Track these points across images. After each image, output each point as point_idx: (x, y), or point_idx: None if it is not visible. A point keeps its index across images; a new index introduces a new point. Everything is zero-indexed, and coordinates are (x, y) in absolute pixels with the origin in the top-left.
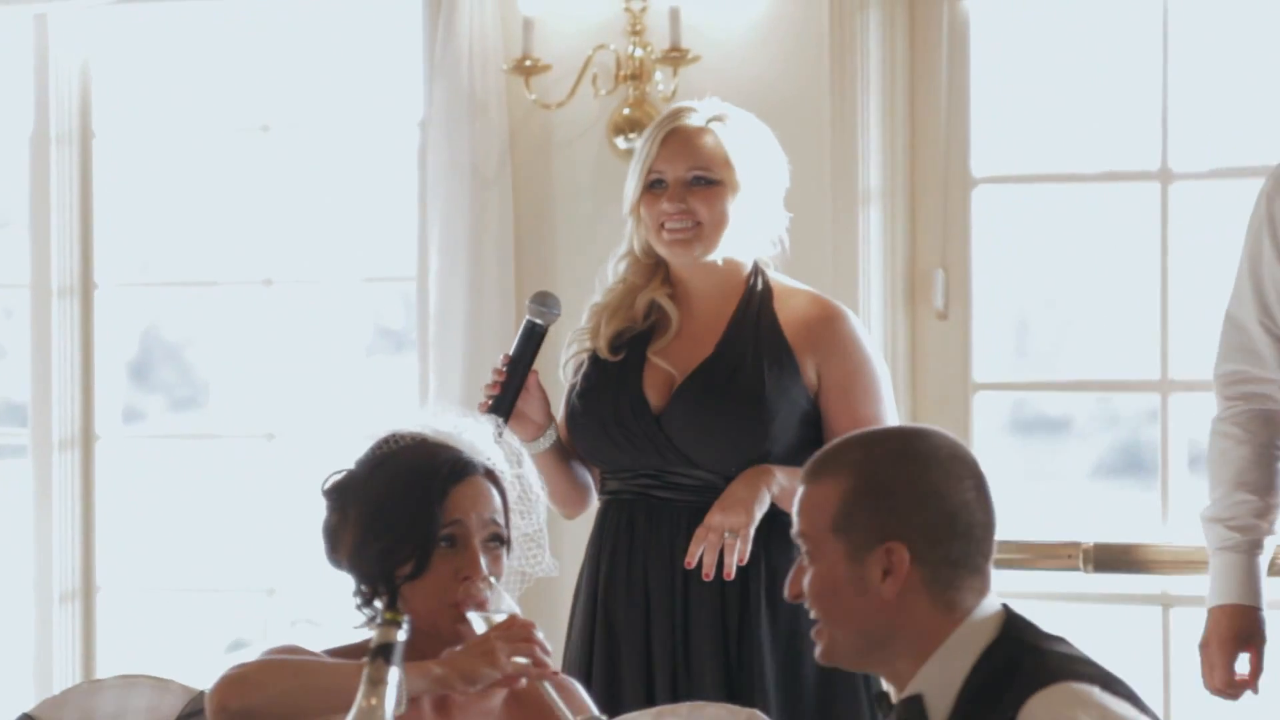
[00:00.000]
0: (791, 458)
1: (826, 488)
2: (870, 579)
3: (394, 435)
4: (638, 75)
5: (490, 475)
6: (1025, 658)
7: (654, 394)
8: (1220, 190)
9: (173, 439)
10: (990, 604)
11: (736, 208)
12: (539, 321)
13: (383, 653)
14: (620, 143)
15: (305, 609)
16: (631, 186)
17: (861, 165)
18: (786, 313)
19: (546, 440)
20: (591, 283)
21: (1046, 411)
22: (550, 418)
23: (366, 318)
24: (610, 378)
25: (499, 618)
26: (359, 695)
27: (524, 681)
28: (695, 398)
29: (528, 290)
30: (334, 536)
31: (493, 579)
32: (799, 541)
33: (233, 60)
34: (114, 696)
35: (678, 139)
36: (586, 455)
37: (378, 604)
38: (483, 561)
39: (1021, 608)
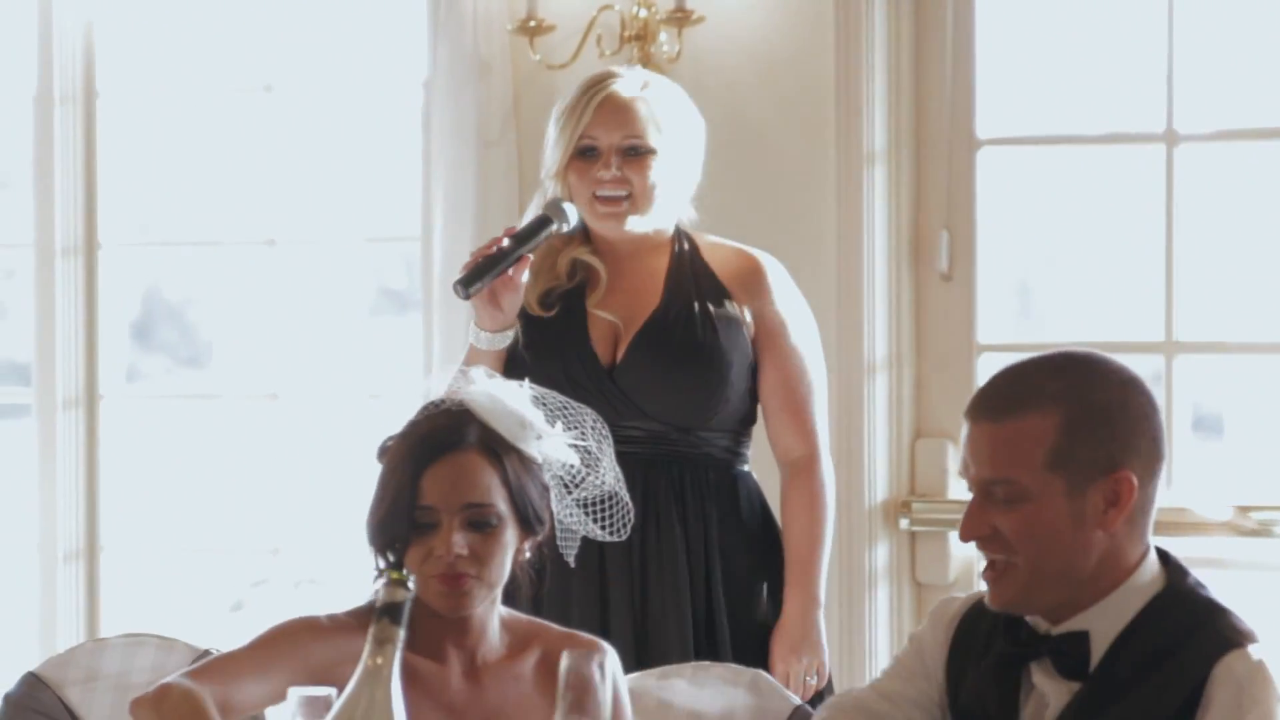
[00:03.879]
0: (739, 405)
1: (1032, 424)
2: (1090, 513)
3: (432, 402)
4: (642, 36)
5: (487, 449)
6: (1203, 614)
7: (601, 348)
8: (1225, 152)
9: (176, 399)
10: (1150, 551)
11: (666, 176)
12: (553, 219)
13: (388, 612)
14: None
15: (309, 568)
16: (557, 150)
17: (866, 126)
18: (718, 263)
19: (503, 340)
20: None
21: None
22: (516, 320)
23: (370, 278)
24: (553, 334)
25: None
26: (364, 655)
27: None
28: (651, 349)
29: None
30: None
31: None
32: (994, 488)
33: (236, 20)
34: (119, 655)
35: (611, 105)
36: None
37: (381, 564)
38: (457, 540)
39: None
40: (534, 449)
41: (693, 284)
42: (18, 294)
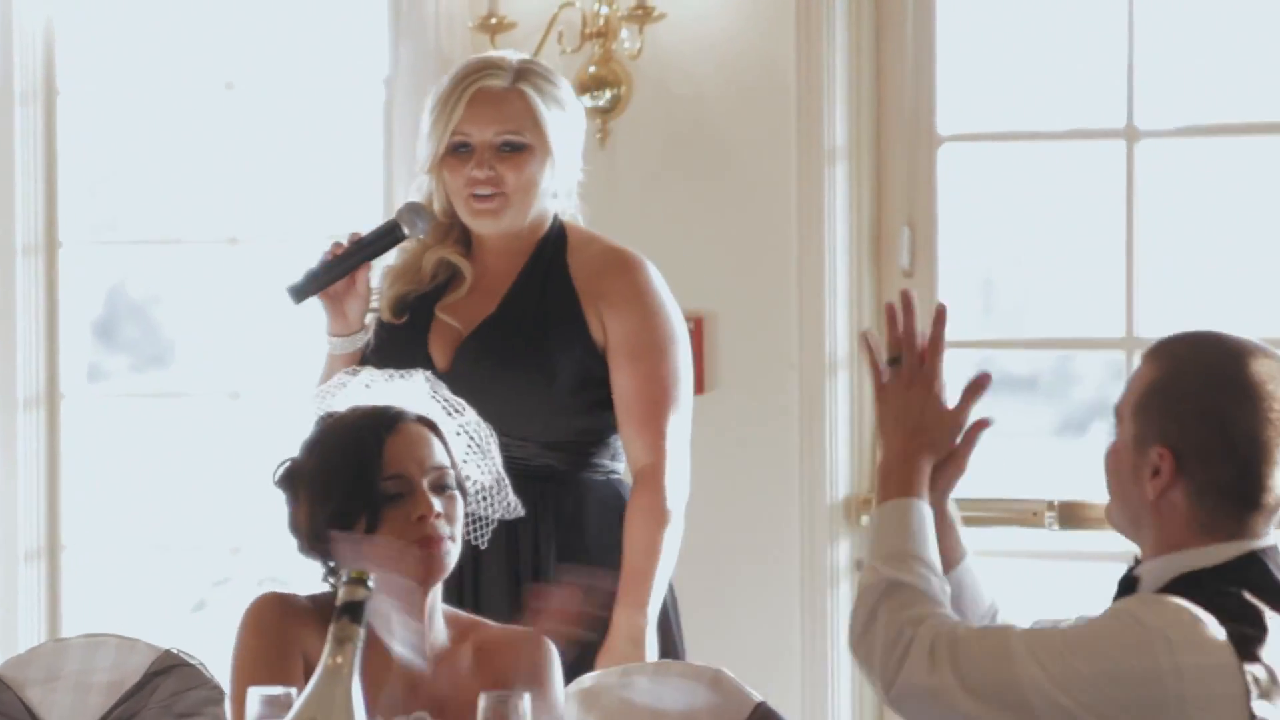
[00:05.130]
0: (577, 419)
1: (1147, 368)
2: (1142, 471)
3: (327, 415)
4: (603, 33)
5: (425, 422)
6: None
7: (440, 353)
8: (1186, 148)
9: (138, 397)
10: (1243, 545)
11: (544, 171)
12: (401, 228)
13: (348, 611)
14: (586, 101)
15: (270, 567)
16: (430, 145)
17: (827, 123)
18: (579, 264)
19: (352, 343)
20: None
21: (1012, 370)
22: (364, 325)
23: None
24: (397, 340)
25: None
26: (325, 653)
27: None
28: (475, 356)
29: None
30: (296, 526)
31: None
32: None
33: (197, 17)
34: (80, 655)
35: (484, 100)
36: None
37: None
38: (436, 503)
39: (989, 566)
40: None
41: (540, 288)
42: None
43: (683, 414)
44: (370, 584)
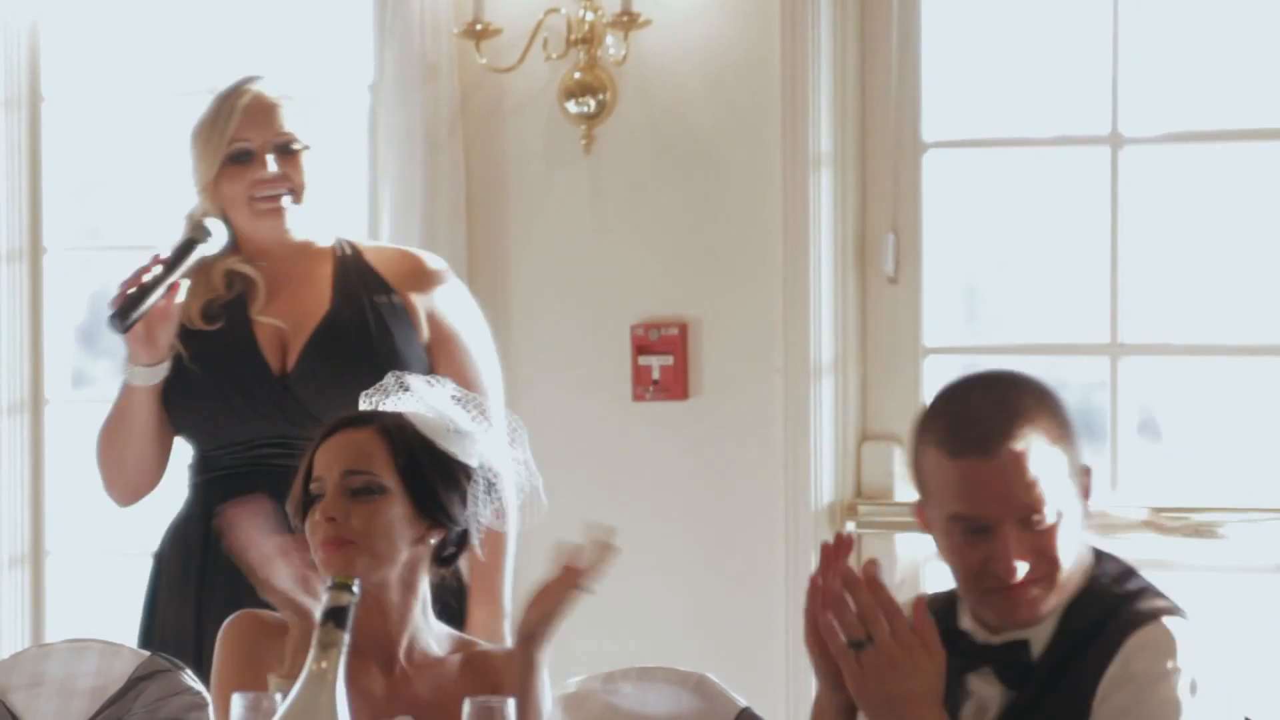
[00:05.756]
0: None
1: (1032, 443)
2: (1085, 511)
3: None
4: (589, 40)
5: (385, 430)
6: (1117, 601)
7: (271, 355)
8: (1170, 155)
9: None
10: None
11: (319, 174)
12: (199, 239)
13: (333, 616)
14: (571, 107)
15: None
16: (204, 163)
17: (812, 130)
18: (384, 264)
19: (156, 374)
20: (543, 247)
21: None
22: (170, 349)
23: None
24: (220, 345)
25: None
26: (309, 659)
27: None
28: (325, 354)
29: (480, 254)
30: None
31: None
32: (1037, 515)
33: (181, 23)
34: (64, 660)
35: (259, 106)
36: (196, 432)
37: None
38: (340, 505)
39: None
40: (457, 448)
41: (360, 284)
42: None
43: (499, 404)
44: (355, 589)
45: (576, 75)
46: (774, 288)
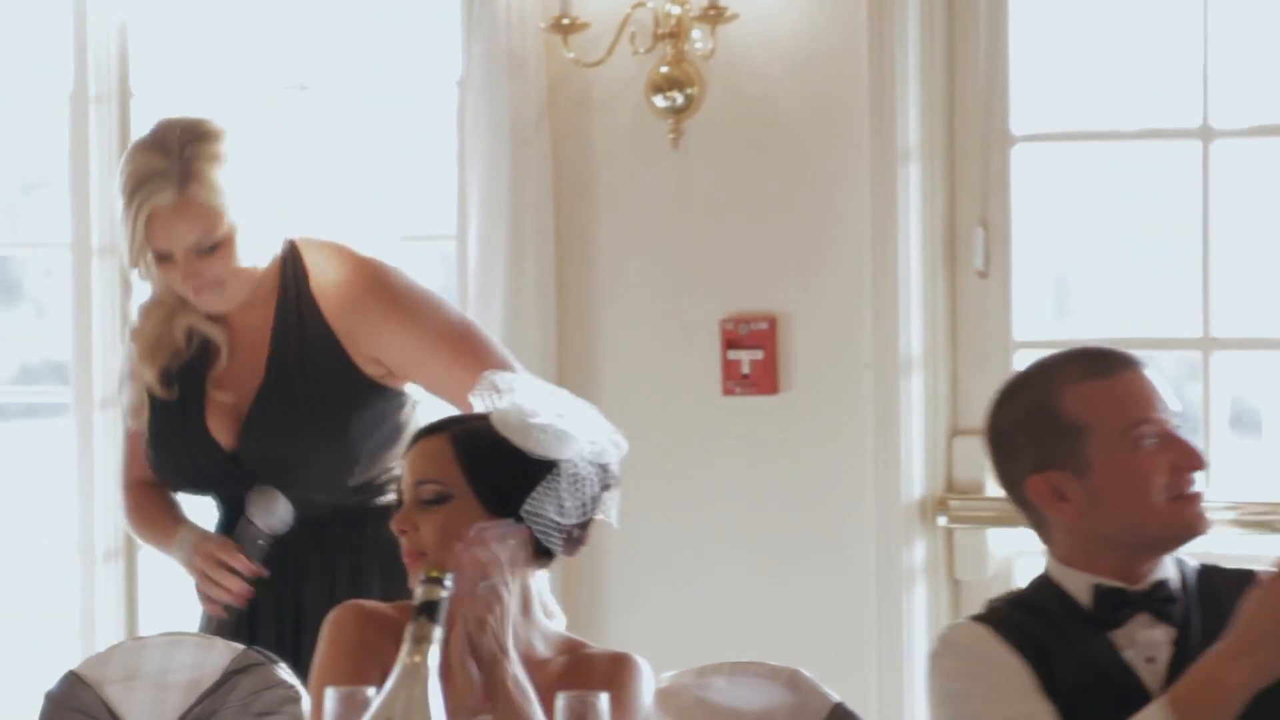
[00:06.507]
0: (381, 450)
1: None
2: None
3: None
4: (675, 34)
5: (451, 436)
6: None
7: (222, 432)
8: (1261, 148)
9: None
10: None
11: (249, 240)
12: (264, 532)
13: (425, 610)
14: (659, 101)
15: None
16: (129, 249)
17: (900, 122)
18: (326, 299)
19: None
20: (631, 242)
21: None
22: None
23: None
24: (173, 422)
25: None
26: (403, 653)
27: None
28: (265, 430)
29: (567, 249)
30: None
31: None
32: (1181, 427)
33: (271, 19)
34: (158, 654)
35: (163, 218)
36: (169, 487)
37: None
38: (413, 518)
39: None
40: (537, 444)
41: (297, 340)
42: (55, 293)
43: (491, 342)
44: (448, 583)
45: (664, 69)
46: (863, 282)
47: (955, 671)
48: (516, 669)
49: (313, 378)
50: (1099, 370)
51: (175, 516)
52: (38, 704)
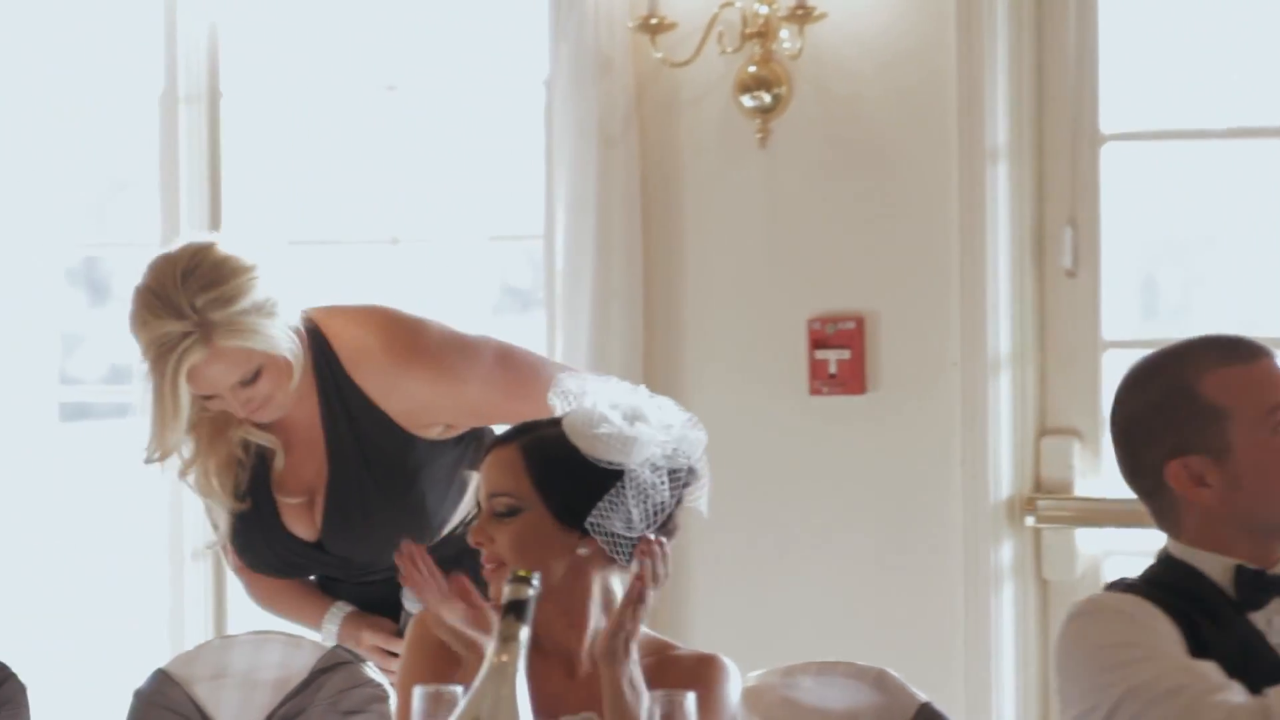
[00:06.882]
0: (459, 500)
1: None
2: None
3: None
4: (763, 33)
5: (520, 446)
6: None
7: (301, 528)
8: None
9: None
10: None
11: (285, 365)
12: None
13: (513, 609)
14: (746, 101)
15: None
16: (162, 407)
17: (988, 122)
18: (365, 378)
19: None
20: (718, 242)
21: None
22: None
23: (493, 276)
24: (253, 529)
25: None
26: (490, 652)
27: None
28: (342, 523)
29: (654, 249)
30: None
31: None
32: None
33: (359, 20)
34: (246, 652)
35: (199, 375)
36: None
37: None
38: (486, 530)
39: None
40: (606, 452)
41: (348, 426)
42: None
43: (539, 363)
44: (535, 582)
45: (751, 69)
46: (951, 281)
47: (1114, 631)
48: (635, 671)
49: (373, 459)
50: (1238, 356)
51: (316, 600)
52: (127, 701)
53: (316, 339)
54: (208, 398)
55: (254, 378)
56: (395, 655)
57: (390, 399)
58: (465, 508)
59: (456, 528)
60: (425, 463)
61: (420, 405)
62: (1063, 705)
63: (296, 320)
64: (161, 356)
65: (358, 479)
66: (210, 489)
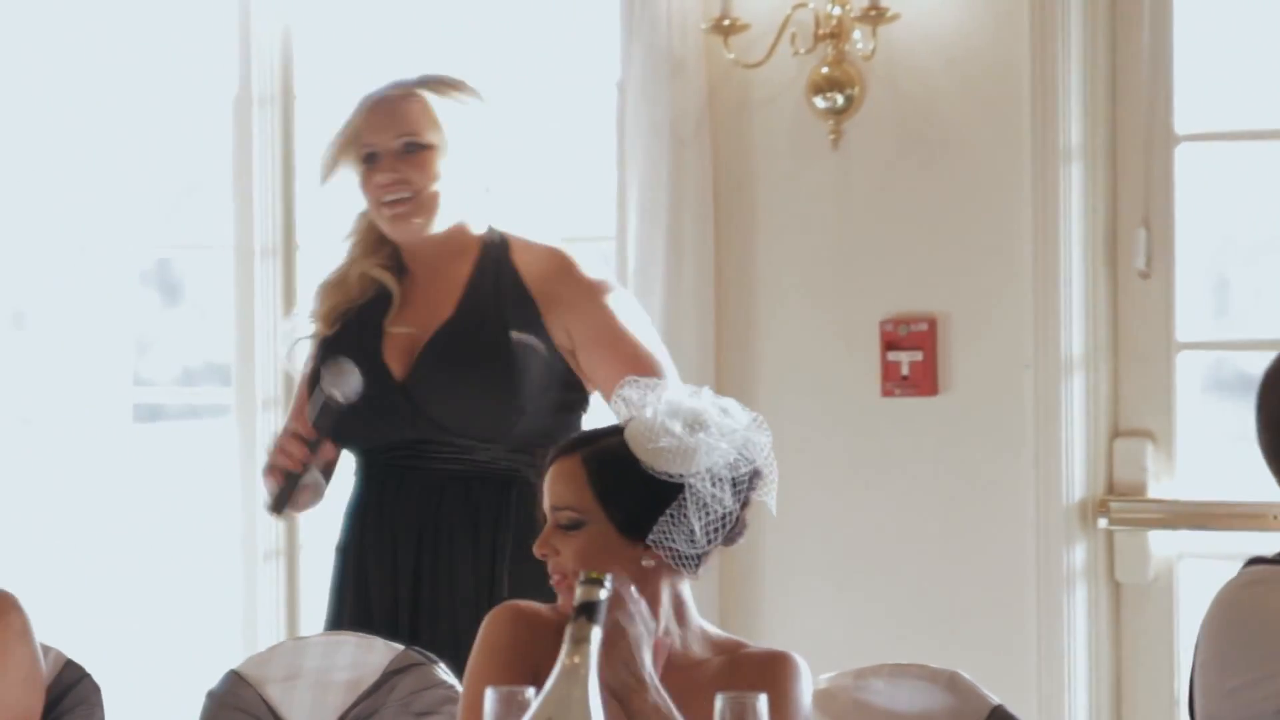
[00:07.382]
0: (543, 421)
1: None
2: None
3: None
4: (836, 34)
5: (582, 458)
6: None
7: (396, 362)
8: None
9: None
10: None
11: (452, 169)
12: (336, 396)
13: (585, 611)
14: (819, 102)
15: None
16: (327, 163)
17: (1062, 122)
18: (527, 267)
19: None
20: (790, 243)
21: (1247, 371)
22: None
23: None
24: (344, 352)
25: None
26: (562, 653)
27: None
28: (438, 359)
29: (727, 250)
30: None
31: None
32: None
33: (432, 20)
34: (319, 653)
35: (383, 108)
36: (335, 438)
37: None
38: (551, 542)
39: (1223, 570)
40: (666, 464)
41: (493, 290)
42: (217, 295)
43: (673, 373)
44: (607, 584)
45: (824, 70)
46: (1024, 282)
47: None
48: (657, 696)
49: (500, 322)
50: None
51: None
52: (200, 702)
53: (498, 236)
54: (366, 159)
55: (416, 151)
56: (297, 438)
57: (541, 287)
58: (543, 428)
59: (526, 444)
60: (540, 360)
61: (564, 308)
62: (1219, 671)
63: (477, 203)
64: (368, 95)
65: (477, 329)
66: (317, 305)
